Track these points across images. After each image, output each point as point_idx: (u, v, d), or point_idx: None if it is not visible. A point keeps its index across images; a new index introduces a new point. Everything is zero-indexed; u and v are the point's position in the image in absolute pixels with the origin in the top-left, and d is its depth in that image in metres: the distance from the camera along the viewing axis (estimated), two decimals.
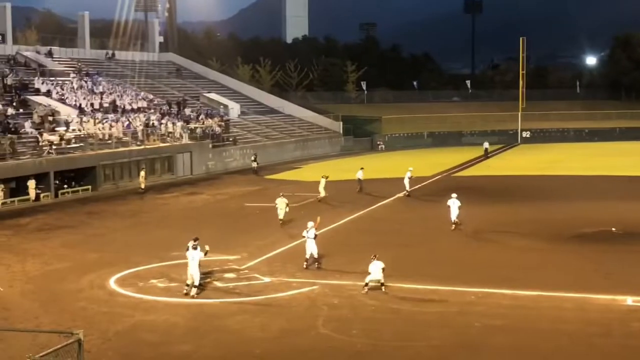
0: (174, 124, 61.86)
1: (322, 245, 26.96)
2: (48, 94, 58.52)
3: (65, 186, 47.67)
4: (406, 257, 28.09)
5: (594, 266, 26.70)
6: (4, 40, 67.22)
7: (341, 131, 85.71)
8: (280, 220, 34.42)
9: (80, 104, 58.71)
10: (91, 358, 16.66)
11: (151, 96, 70.02)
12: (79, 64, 70.17)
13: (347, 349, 18.49)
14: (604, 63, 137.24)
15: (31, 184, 44.26)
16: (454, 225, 33.31)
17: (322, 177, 43.59)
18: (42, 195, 44.85)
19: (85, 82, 65.22)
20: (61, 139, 49.62)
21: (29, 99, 55.86)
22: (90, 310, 21.81)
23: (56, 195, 46.00)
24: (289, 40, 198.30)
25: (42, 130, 50.30)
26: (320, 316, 21.03)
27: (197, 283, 23.14)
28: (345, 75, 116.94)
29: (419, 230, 34.55)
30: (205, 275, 24.46)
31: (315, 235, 26.41)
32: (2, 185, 42.91)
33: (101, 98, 62.26)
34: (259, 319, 20.90)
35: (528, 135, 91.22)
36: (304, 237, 26.67)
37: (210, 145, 62.48)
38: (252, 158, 61.47)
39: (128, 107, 63.07)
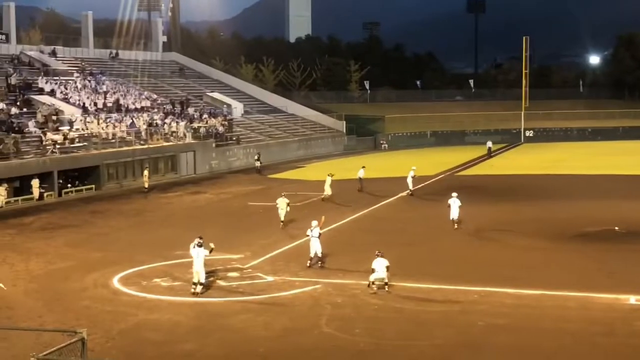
0: (177, 123, 61.95)
1: (325, 244, 26.96)
2: (52, 93, 58.61)
3: (69, 185, 47.73)
4: (409, 256, 28.08)
5: (597, 265, 26.70)
6: (7, 40, 67.32)
7: (344, 130, 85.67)
8: (281, 222, 34.00)
9: (84, 104, 58.79)
10: (95, 357, 16.68)
11: (155, 95, 70.11)
12: (83, 64, 70.30)
13: (350, 348, 18.50)
14: (608, 62, 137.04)
15: (35, 183, 44.33)
16: (456, 225, 33.31)
17: (328, 175, 43.61)
18: (45, 194, 44.92)
19: (89, 81, 65.32)
20: (65, 138, 49.73)
21: (32, 99, 55.96)
22: (93, 309, 21.86)
23: (60, 195, 46.05)
24: (292, 39, 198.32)
25: (45, 129, 50.40)
26: (323, 315, 21.05)
27: (202, 280, 23.19)
28: (348, 74, 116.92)
29: (422, 230, 34.55)
30: (209, 274, 24.48)
31: (320, 234, 26.45)
32: (6, 185, 42.99)
33: (105, 97, 62.34)
34: (262, 318, 20.93)
35: (531, 135, 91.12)
36: (308, 235, 26.68)
37: (214, 145, 62.51)
38: (256, 157, 61.50)
39: (131, 107, 63.15)
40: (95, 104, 59.91)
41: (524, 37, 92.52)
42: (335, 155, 75.80)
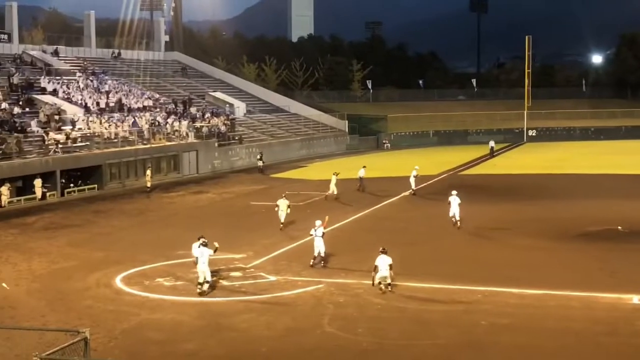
0: (179, 122, 61.97)
1: (328, 243, 26.94)
2: (54, 93, 58.65)
3: (72, 185, 47.78)
4: (412, 255, 28.05)
5: (600, 265, 26.67)
6: (10, 40, 67.36)
7: (347, 130, 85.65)
8: (281, 223, 33.49)
9: (86, 103, 58.83)
10: (97, 356, 16.68)
11: (157, 95, 70.12)
12: (85, 63, 70.32)
13: (353, 348, 18.48)
14: (610, 61, 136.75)
15: (37, 182, 44.36)
16: (459, 222, 33.28)
17: (333, 174, 43.64)
18: (48, 194, 44.96)
19: (91, 81, 65.37)
20: (67, 137, 49.75)
21: (35, 98, 56.00)
22: (96, 309, 21.86)
23: (62, 194, 46.09)
24: (294, 39, 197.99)
25: (48, 129, 50.43)
26: (326, 315, 21.03)
27: (208, 279, 23.18)
28: (350, 74, 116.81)
29: (424, 229, 34.53)
30: (211, 274, 24.47)
31: (323, 234, 26.43)
32: (9, 184, 43.03)
33: (107, 97, 62.38)
34: (264, 318, 20.92)
35: (534, 134, 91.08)
36: (311, 235, 26.65)
37: (216, 144, 62.53)
38: (258, 157, 61.47)
39: (134, 106, 63.17)
40: (98, 104, 59.96)
41: (526, 37, 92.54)
42: (337, 155, 75.79)
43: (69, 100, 58.13)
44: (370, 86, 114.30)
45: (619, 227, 33.15)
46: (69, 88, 60.76)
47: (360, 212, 38.75)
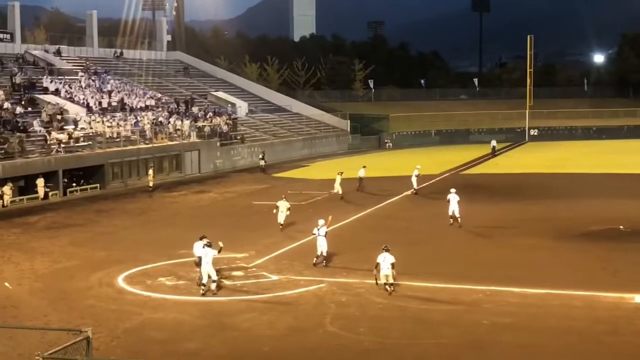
0: (181, 122, 62.00)
1: (330, 243, 26.93)
2: (56, 92, 58.70)
3: (74, 184, 47.83)
4: (414, 254, 28.03)
5: (602, 264, 26.66)
6: (12, 39, 67.44)
7: (349, 129, 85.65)
8: (280, 225, 33.35)
9: (89, 103, 58.87)
10: (100, 355, 16.71)
11: (159, 95, 70.16)
12: (87, 63, 70.36)
13: (355, 347, 18.49)
14: (612, 61, 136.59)
15: (40, 182, 44.42)
16: (459, 220, 33.29)
17: (338, 173, 43.70)
18: (50, 193, 45.02)
19: (94, 80, 65.41)
20: (70, 137, 49.79)
21: (37, 98, 56.03)
22: (98, 308, 21.89)
23: (65, 194, 46.15)
24: (296, 38, 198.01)
25: (50, 128, 50.47)
26: (327, 314, 21.05)
27: (214, 278, 23.14)
28: (352, 73, 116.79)
29: (426, 228, 34.54)
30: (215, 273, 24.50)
31: (326, 233, 26.44)
32: (11, 184, 43.07)
33: (109, 96, 62.41)
34: (267, 317, 20.94)
35: (536, 133, 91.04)
36: (314, 234, 26.65)
37: (218, 144, 62.56)
38: (260, 156, 61.51)
39: (136, 106, 63.22)
40: (100, 103, 60.00)
41: (528, 36, 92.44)
42: (339, 154, 75.82)
43: (71, 99, 58.17)
44: (372, 86, 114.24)
45: (621, 227, 33.13)
46: (71, 88, 60.79)
47: (362, 211, 38.77)
